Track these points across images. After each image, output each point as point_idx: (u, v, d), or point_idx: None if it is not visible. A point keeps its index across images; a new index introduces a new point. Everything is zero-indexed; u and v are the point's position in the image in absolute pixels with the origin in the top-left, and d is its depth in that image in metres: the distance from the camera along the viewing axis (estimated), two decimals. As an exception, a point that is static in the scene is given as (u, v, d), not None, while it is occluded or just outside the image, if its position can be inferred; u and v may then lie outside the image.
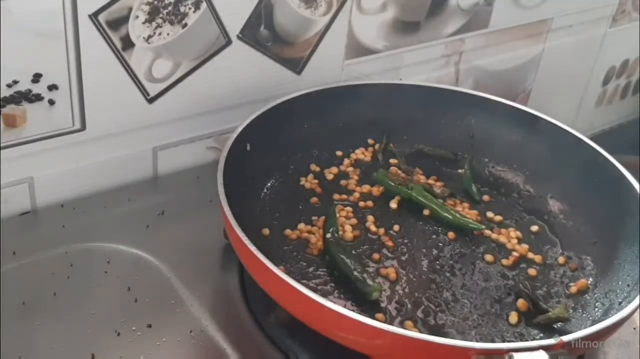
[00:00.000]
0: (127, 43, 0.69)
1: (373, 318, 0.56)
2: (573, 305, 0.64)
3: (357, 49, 0.85)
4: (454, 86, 0.92)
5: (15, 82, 0.65)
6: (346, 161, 0.79)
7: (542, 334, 0.61)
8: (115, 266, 0.65)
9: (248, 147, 0.70)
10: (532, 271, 0.67)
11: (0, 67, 0.63)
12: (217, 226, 0.67)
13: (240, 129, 0.69)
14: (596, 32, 1.09)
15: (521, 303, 0.63)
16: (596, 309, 0.63)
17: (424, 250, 0.68)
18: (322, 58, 0.83)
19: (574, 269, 0.68)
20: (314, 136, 0.77)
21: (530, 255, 0.69)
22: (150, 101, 0.74)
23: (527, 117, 0.79)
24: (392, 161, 0.80)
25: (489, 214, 0.74)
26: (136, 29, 0.69)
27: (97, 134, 0.72)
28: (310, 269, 0.64)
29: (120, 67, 0.70)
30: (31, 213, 0.72)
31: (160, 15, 0.69)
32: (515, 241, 0.71)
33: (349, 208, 0.72)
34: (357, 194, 0.74)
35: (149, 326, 0.60)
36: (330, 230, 0.66)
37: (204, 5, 0.71)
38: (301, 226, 0.69)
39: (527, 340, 0.60)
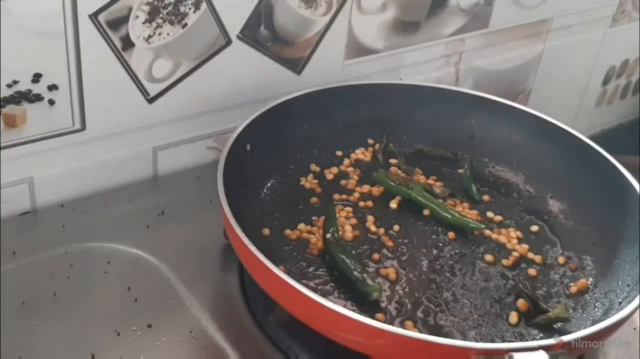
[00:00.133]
0: (127, 43, 0.69)
1: (373, 318, 0.56)
2: (573, 305, 0.64)
3: (357, 49, 0.85)
4: (454, 86, 0.92)
5: (15, 82, 0.65)
6: (346, 161, 0.79)
7: (542, 334, 0.61)
8: (115, 266, 0.65)
9: (248, 147, 0.70)
10: (532, 271, 0.67)
11: (0, 67, 0.63)
12: (217, 226, 0.67)
13: (240, 129, 0.69)
14: (596, 32, 1.09)
15: (521, 303, 0.63)
16: (596, 309, 0.63)
17: (424, 250, 0.68)
18: (322, 58, 0.83)
19: (574, 269, 0.68)
20: (314, 136, 0.77)
21: (530, 255, 0.69)
22: (150, 101, 0.74)
23: (527, 117, 0.79)
24: (392, 161, 0.80)
25: (489, 214, 0.74)
26: (136, 29, 0.69)
27: (97, 134, 0.72)
28: (310, 269, 0.64)
29: (120, 67, 0.70)
30: (31, 213, 0.72)
31: (160, 15, 0.69)
32: (515, 241, 0.71)
33: (349, 208, 0.72)
34: (357, 194, 0.74)
35: (149, 326, 0.60)
36: (330, 230, 0.66)
37: (204, 5, 0.71)
38: (301, 226, 0.69)
39: (527, 340, 0.60)
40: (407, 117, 0.81)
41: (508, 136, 0.80)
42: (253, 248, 0.56)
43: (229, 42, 0.75)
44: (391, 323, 0.60)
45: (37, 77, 0.65)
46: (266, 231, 0.68)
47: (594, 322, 0.59)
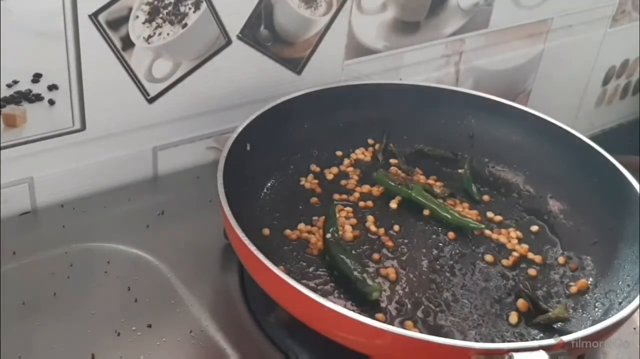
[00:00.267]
0: (127, 43, 0.69)
1: (373, 318, 0.56)
2: (573, 305, 0.64)
3: (357, 49, 0.85)
4: (454, 86, 0.92)
5: (15, 82, 0.65)
6: (346, 161, 0.79)
7: (542, 334, 0.61)
8: (115, 266, 0.65)
9: (248, 147, 0.70)
10: (532, 271, 0.67)
11: (0, 67, 0.63)
12: (217, 226, 0.67)
13: (240, 129, 0.69)
14: (596, 32, 1.09)
15: (521, 303, 0.63)
16: (596, 309, 0.63)
17: (424, 250, 0.68)
18: (322, 58, 0.83)
19: (574, 269, 0.68)
20: (314, 136, 0.77)
21: (530, 255, 0.69)
22: (150, 101, 0.74)
23: (527, 117, 0.79)
24: (392, 161, 0.80)
25: (489, 214, 0.74)
26: (136, 29, 0.69)
27: (97, 134, 0.72)
28: (310, 269, 0.64)
29: (120, 67, 0.70)
30: (31, 213, 0.72)
31: (160, 16, 0.69)
32: (515, 241, 0.71)
33: (349, 208, 0.72)
34: (357, 194, 0.74)
35: (149, 326, 0.60)
36: (330, 230, 0.66)
37: (204, 5, 0.71)
38: (301, 226, 0.69)
39: (527, 340, 0.60)
40: (407, 117, 0.81)
41: (508, 136, 0.80)
42: (253, 248, 0.56)
43: (229, 42, 0.75)
44: (391, 323, 0.60)
45: (37, 77, 0.65)
46: (266, 231, 0.68)
47: (594, 322, 0.59)
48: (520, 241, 0.71)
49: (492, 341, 0.60)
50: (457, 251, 0.69)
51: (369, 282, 0.61)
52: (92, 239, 0.68)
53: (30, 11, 0.62)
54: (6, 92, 0.65)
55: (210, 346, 0.59)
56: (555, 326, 0.62)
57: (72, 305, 0.61)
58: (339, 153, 0.79)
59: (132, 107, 0.73)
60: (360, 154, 0.80)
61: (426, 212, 0.72)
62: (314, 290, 0.59)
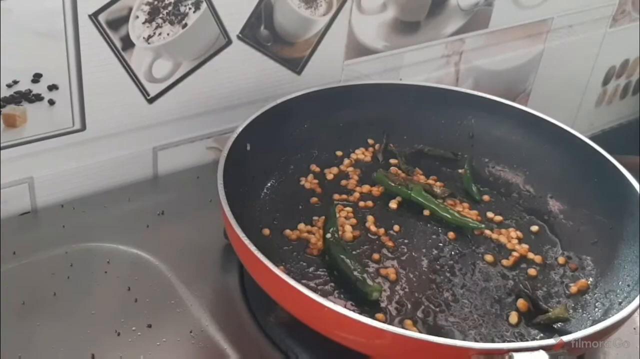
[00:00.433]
0: (127, 43, 0.69)
1: (373, 318, 0.56)
2: (573, 305, 0.64)
3: (357, 49, 0.85)
4: (454, 86, 0.92)
5: (15, 82, 0.65)
6: (346, 161, 0.79)
7: (542, 334, 0.61)
8: (115, 266, 0.65)
9: (248, 147, 0.70)
10: (532, 271, 0.67)
11: (0, 67, 0.63)
12: (217, 226, 0.67)
13: (240, 129, 0.69)
14: (596, 32, 1.09)
15: (521, 303, 0.63)
16: (596, 309, 0.63)
17: (424, 250, 0.68)
18: (322, 58, 0.83)
19: (574, 269, 0.68)
20: (314, 136, 0.77)
21: (530, 255, 0.69)
22: (150, 101, 0.74)
23: (527, 117, 0.78)
24: (392, 161, 0.80)
25: (489, 214, 0.74)
26: (136, 29, 0.69)
27: (97, 134, 0.72)
28: (310, 269, 0.64)
29: (120, 67, 0.70)
30: (31, 213, 0.72)
31: (160, 16, 0.69)
32: (515, 241, 0.71)
33: (349, 208, 0.72)
34: (357, 194, 0.74)
35: (149, 326, 0.60)
36: (330, 230, 0.66)
37: (204, 5, 0.71)
38: (301, 226, 0.69)
39: (527, 340, 0.60)
40: (407, 117, 0.81)
41: (508, 136, 0.80)
42: (253, 248, 0.56)
43: (229, 42, 0.75)
44: (391, 323, 0.60)
45: (37, 77, 0.65)
46: (266, 231, 0.68)
47: (594, 322, 0.59)
48: (520, 241, 0.71)
49: (492, 341, 0.60)
50: (457, 251, 0.69)
51: (369, 282, 0.61)
52: (92, 239, 0.68)
53: (30, 11, 0.62)
54: (6, 92, 0.65)
55: (210, 346, 0.59)
56: (555, 326, 0.62)
57: (72, 305, 0.61)
58: (339, 153, 0.79)
59: (132, 107, 0.73)
60: (360, 154, 0.80)
61: (426, 212, 0.72)
62: (314, 290, 0.59)
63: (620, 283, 0.64)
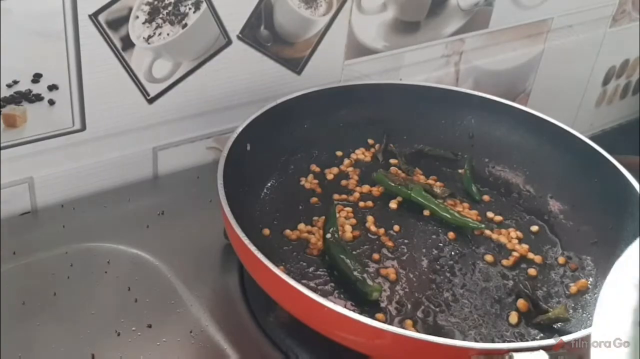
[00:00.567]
0: (127, 43, 0.69)
1: (373, 318, 0.56)
2: (573, 305, 0.64)
3: (357, 49, 0.85)
4: (454, 86, 0.92)
5: (15, 82, 0.65)
6: (346, 161, 0.79)
7: (542, 334, 0.61)
8: (115, 266, 0.65)
9: (248, 147, 0.70)
10: (532, 271, 0.67)
11: (0, 67, 0.63)
12: (217, 226, 0.67)
13: (240, 129, 0.69)
14: (596, 32, 1.09)
15: (521, 303, 0.63)
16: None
17: (424, 250, 0.68)
18: (322, 58, 0.83)
19: (574, 269, 0.68)
20: (314, 136, 0.77)
21: (530, 255, 0.69)
22: (150, 101, 0.74)
23: (527, 117, 0.78)
24: (392, 161, 0.80)
25: (489, 214, 0.74)
26: (136, 29, 0.69)
27: (97, 134, 0.72)
28: (310, 269, 0.64)
29: (120, 67, 0.70)
30: (31, 213, 0.72)
31: (160, 16, 0.69)
32: (515, 241, 0.71)
33: (349, 208, 0.72)
34: (357, 194, 0.74)
35: (149, 326, 0.60)
36: (330, 230, 0.66)
37: (204, 6, 0.71)
38: (301, 226, 0.69)
39: (527, 340, 0.60)
40: (407, 117, 0.81)
41: (508, 136, 0.80)
42: (253, 248, 0.56)
43: (229, 42, 0.75)
44: (391, 323, 0.60)
45: (37, 77, 0.65)
46: (266, 231, 0.68)
47: (594, 322, 0.59)
48: (520, 241, 0.71)
49: (492, 341, 0.60)
50: (457, 251, 0.69)
51: (369, 282, 0.61)
52: (92, 239, 0.68)
53: (30, 11, 0.62)
54: (6, 92, 0.65)
55: (210, 346, 0.59)
56: (555, 326, 0.62)
57: (72, 305, 0.61)
58: (339, 153, 0.79)
59: (132, 107, 0.73)
60: (360, 154, 0.80)
61: (426, 212, 0.72)
62: (314, 290, 0.59)
63: (620, 283, 0.64)
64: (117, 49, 0.69)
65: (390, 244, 0.68)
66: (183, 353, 0.59)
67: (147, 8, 0.68)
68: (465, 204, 0.75)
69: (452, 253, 0.68)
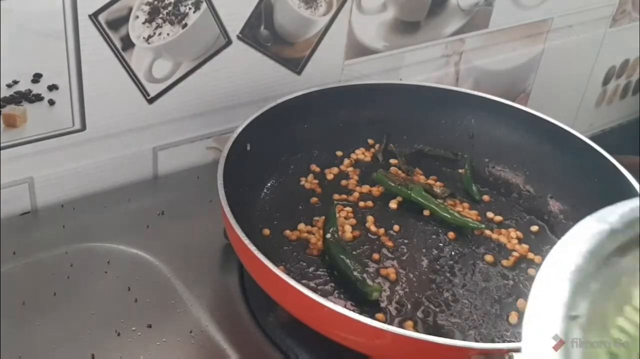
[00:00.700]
0: (127, 43, 0.69)
1: (373, 318, 0.56)
2: (573, 305, 0.64)
3: (357, 49, 0.85)
4: (454, 86, 0.92)
5: (15, 82, 0.65)
6: (346, 161, 0.79)
7: (542, 334, 0.61)
8: (115, 266, 0.65)
9: (248, 147, 0.70)
10: (532, 271, 0.67)
11: (0, 67, 0.63)
12: (217, 226, 0.67)
13: (240, 129, 0.69)
14: (596, 32, 1.09)
15: (521, 303, 0.63)
16: (596, 309, 0.63)
17: (424, 250, 0.68)
18: (322, 58, 0.83)
19: (574, 269, 0.68)
20: (314, 136, 0.77)
21: (530, 255, 0.69)
22: (150, 101, 0.74)
23: (527, 117, 0.78)
24: (392, 161, 0.80)
25: (489, 214, 0.74)
26: (136, 29, 0.69)
27: (97, 134, 0.72)
28: (310, 269, 0.64)
29: (120, 67, 0.70)
30: (31, 213, 0.72)
31: (160, 16, 0.69)
32: (515, 241, 0.71)
33: (349, 208, 0.72)
34: (357, 194, 0.74)
35: (149, 326, 0.60)
36: (330, 230, 0.66)
37: (204, 6, 0.71)
38: (301, 226, 0.69)
39: (527, 340, 0.60)
40: (407, 117, 0.81)
41: (508, 136, 0.80)
42: (253, 248, 0.56)
43: (229, 42, 0.75)
44: (391, 323, 0.60)
45: (37, 77, 0.65)
46: (266, 231, 0.68)
47: (594, 322, 0.59)
48: (520, 241, 0.71)
49: (492, 341, 0.60)
50: (457, 251, 0.69)
51: (369, 282, 0.61)
52: (92, 239, 0.68)
53: (30, 11, 0.62)
54: (6, 92, 0.65)
55: (210, 346, 0.59)
56: (555, 326, 0.62)
57: (72, 305, 0.61)
58: (339, 153, 0.79)
59: (132, 107, 0.73)
60: (360, 154, 0.80)
61: (426, 212, 0.72)
62: (314, 290, 0.59)
63: (620, 283, 0.64)
64: (117, 49, 0.69)
65: (390, 244, 0.68)
66: (183, 353, 0.59)
67: (147, 8, 0.68)
68: (465, 204, 0.75)
69: (452, 253, 0.68)
